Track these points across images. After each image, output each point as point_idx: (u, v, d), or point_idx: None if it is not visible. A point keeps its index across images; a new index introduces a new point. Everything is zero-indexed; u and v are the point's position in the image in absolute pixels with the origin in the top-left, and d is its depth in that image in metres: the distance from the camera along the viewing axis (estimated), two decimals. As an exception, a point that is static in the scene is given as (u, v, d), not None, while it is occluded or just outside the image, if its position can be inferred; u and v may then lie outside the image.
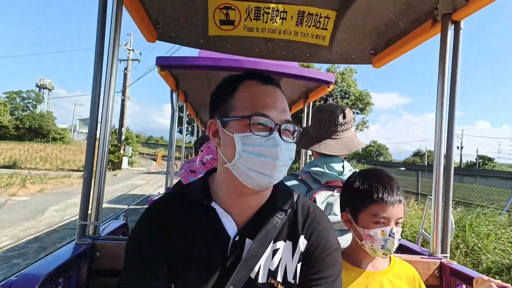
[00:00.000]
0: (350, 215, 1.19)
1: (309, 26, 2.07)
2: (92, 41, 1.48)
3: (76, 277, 1.29)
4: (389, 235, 1.09)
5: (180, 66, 3.16)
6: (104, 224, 1.91)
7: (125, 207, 9.83)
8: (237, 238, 0.87)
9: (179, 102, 4.72)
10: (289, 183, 1.49)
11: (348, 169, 1.56)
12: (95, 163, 1.47)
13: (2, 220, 7.39)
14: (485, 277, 1.14)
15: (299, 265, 0.90)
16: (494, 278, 1.12)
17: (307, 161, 2.86)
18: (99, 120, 1.49)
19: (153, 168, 32.31)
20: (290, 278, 0.88)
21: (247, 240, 0.87)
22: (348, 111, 1.59)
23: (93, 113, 1.47)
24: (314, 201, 1.43)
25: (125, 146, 28.74)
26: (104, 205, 1.98)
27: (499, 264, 4.61)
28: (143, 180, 18.93)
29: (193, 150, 3.47)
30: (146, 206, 0.95)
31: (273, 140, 0.81)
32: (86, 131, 1.79)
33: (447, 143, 1.60)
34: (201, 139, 3.17)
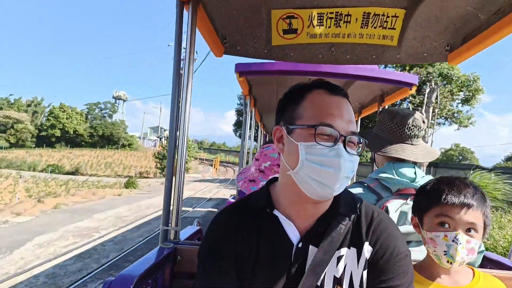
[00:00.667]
0: (417, 219, 1.14)
1: (375, 27, 2.00)
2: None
3: (162, 278, 1.41)
4: (453, 241, 1.00)
5: (259, 72, 3.19)
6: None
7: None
8: (300, 245, 0.88)
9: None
10: (355, 192, 1.46)
11: (420, 176, 1.46)
12: (173, 172, 1.59)
13: None
14: None
15: (365, 273, 0.88)
16: None
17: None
18: (178, 133, 1.61)
19: (208, 175, 31.26)
20: (356, 286, 0.87)
21: (311, 247, 0.88)
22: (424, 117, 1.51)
23: (172, 126, 1.60)
24: (386, 210, 1.37)
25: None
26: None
27: None
28: (188, 191, 15.94)
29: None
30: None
31: (336, 150, 0.81)
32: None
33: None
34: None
